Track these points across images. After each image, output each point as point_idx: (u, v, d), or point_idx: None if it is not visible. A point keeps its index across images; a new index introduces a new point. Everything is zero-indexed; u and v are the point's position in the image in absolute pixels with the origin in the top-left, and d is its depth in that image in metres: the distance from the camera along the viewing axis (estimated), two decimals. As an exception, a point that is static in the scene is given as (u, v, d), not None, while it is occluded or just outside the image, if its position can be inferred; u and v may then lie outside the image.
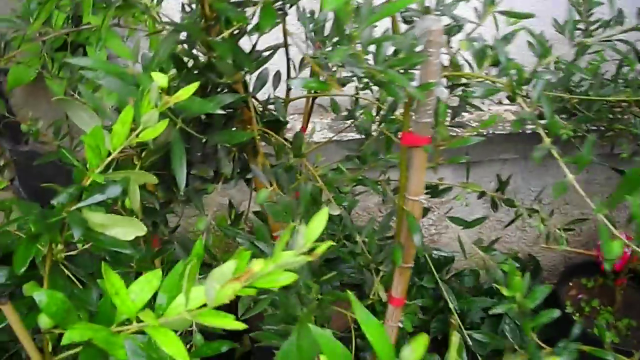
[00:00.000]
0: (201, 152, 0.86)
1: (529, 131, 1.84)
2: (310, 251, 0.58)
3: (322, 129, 1.83)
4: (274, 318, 0.83)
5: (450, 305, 1.31)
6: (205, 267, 1.35)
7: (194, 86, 0.58)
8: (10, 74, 1.41)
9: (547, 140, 0.80)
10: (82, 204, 0.58)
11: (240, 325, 0.46)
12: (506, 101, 2.01)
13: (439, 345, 1.96)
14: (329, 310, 0.88)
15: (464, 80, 1.03)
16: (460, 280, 2.06)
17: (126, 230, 0.60)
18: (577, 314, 2.01)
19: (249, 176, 0.99)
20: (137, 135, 0.60)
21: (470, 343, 1.31)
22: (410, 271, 0.93)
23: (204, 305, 0.52)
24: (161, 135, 0.77)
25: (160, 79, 0.57)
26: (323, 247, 0.58)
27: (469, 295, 2.02)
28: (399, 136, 1.14)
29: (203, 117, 0.94)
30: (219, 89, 0.89)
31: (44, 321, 0.53)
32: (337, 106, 1.16)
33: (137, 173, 0.64)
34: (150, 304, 0.57)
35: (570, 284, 2.13)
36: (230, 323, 0.46)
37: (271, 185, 0.91)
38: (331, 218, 1.29)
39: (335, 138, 1.65)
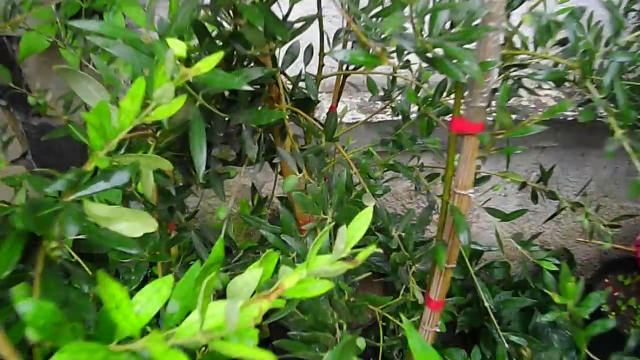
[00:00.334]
0: (223, 132, 0.76)
1: (570, 118, 1.73)
2: (351, 257, 0.49)
3: (351, 109, 1.73)
4: (302, 324, 0.74)
5: (486, 304, 1.21)
6: (226, 252, 1.26)
7: (217, 56, 0.48)
8: (22, 42, 1.32)
9: (618, 132, 0.69)
10: (81, 193, 0.49)
11: (269, 357, 0.36)
12: (546, 86, 1.89)
13: (464, 339, 1.87)
14: (364, 317, 0.78)
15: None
16: (490, 273, 1.96)
17: (134, 225, 0.51)
18: (613, 313, 1.90)
19: (275, 160, 0.89)
20: (149, 113, 0.51)
21: (507, 346, 1.22)
22: (452, 272, 0.83)
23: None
24: (179, 112, 0.68)
25: (178, 47, 0.48)
26: (365, 253, 0.49)
27: (498, 288, 1.92)
28: (443, 121, 1.04)
29: (226, 93, 0.85)
30: (245, 63, 0.79)
31: (31, 333, 0.44)
32: (373, 84, 1.06)
33: (150, 157, 0.55)
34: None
35: (606, 280, 2.01)
36: (256, 354, 0.36)
37: (300, 171, 0.81)
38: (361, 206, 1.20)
39: (362, 119, 1.55)
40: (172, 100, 0.51)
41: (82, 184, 0.50)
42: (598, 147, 1.89)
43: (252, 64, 0.79)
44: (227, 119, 0.77)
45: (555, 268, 1.18)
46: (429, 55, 0.58)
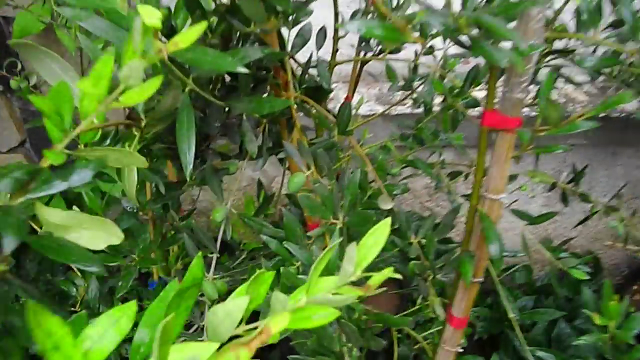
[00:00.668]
0: (221, 122, 0.67)
1: (602, 114, 1.62)
2: (362, 281, 0.40)
3: (368, 100, 1.63)
4: (306, 348, 0.64)
5: (511, 316, 1.11)
6: (228, 253, 1.17)
7: (199, 28, 0.38)
8: (16, 23, 1.23)
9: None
10: (33, 195, 0.40)
11: None
12: (578, 79, 1.78)
13: (483, 346, 1.77)
14: (377, 342, 0.69)
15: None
16: (511, 276, 1.85)
17: (95, 235, 0.42)
18: (643, 321, 1.79)
19: (281, 154, 0.80)
20: (117, 98, 0.41)
21: (532, 361, 1.11)
22: (479, 286, 0.73)
23: None
24: (167, 99, 0.59)
25: (149, 15, 0.38)
26: (379, 278, 0.39)
27: (520, 292, 1.81)
28: (470, 114, 0.93)
29: (228, 78, 0.75)
30: (247, 45, 0.70)
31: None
32: (393, 73, 0.95)
33: (121, 152, 0.45)
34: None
35: (635, 287, 1.90)
36: None
37: (308, 168, 0.72)
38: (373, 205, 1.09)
39: (380, 112, 1.45)
40: (147, 83, 0.41)
41: (34, 184, 0.41)
42: (631, 145, 1.77)
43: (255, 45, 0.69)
44: (226, 108, 0.67)
45: (586, 277, 1.09)
46: (463, 34, 0.48)
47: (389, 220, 0.39)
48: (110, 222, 0.42)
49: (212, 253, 0.74)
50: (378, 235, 0.39)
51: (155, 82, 0.41)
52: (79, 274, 1.01)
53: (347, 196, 0.64)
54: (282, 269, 0.60)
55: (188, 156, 0.54)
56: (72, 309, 1.00)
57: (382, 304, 1.81)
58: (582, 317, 1.72)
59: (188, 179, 0.54)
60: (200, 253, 0.37)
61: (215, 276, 0.76)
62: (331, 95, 1.68)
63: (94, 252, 0.41)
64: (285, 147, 0.71)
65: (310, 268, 0.66)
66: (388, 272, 0.39)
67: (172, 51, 0.40)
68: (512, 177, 1.27)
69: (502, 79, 0.62)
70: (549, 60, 0.75)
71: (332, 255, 0.62)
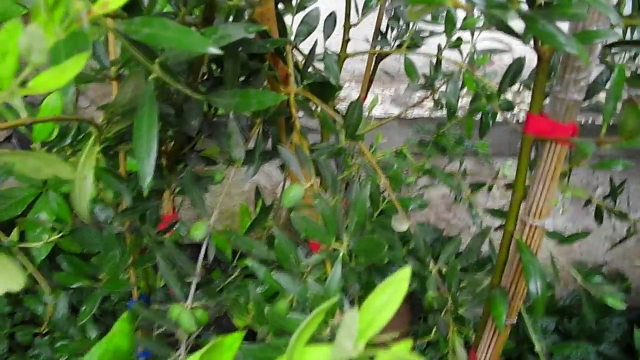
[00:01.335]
0: (199, 120, 0.54)
1: None
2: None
3: (383, 102, 1.50)
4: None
5: (537, 349, 0.97)
6: (216, 264, 1.05)
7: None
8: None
9: None
10: None
11: None
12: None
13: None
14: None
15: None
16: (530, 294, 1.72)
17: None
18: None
19: (277, 161, 0.68)
20: (23, 83, 0.29)
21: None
22: (510, 330, 0.61)
23: None
24: (127, 89, 0.46)
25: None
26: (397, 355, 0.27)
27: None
28: (509, 118, 0.81)
29: (215, 68, 0.63)
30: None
31: None
32: (412, 68, 0.82)
33: (41, 158, 0.33)
34: None
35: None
36: None
37: (309, 178, 0.59)
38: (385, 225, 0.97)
39: (395, 114, 1.32)
40: (66, 63, 0.29)
41: None
42: (668, 157, 1.64)
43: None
44: (208, 103, 0.55)
45: (623, 306, 0.96)
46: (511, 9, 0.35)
47: (407, 272, 0.27)
48: (13, 263, 0.30)
49: (190, 277, 0.62)
50: (391, 293, 0.27)
51: (79, 61, 0.29)
52: (47, 290, 0.89)
53: (353, 215, 0.51)
54: (266, 309, 0.47)
55: (147, 164, 0.41)
56: (37, 330, 0.88)
57: (393, 320, 1.68)
58: (608, 342, 1.59)
59: (146, 192, 0.41)
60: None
61: (195, 304, 0.64)
62: (342, 95, 1.56)
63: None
64: (281, 153, 0.58)
65: (305, 304, 0.53)
66: (407, 346, 0.27)
67: (98, 15, 0.28)
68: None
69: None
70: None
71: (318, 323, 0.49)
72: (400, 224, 0.62)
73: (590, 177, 1.69)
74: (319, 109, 0.68)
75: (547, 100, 0.49)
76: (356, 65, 1.58)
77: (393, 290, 0.27)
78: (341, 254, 0.52)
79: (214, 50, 0.35)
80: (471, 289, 0.68)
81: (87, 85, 0.77)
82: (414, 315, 1.59)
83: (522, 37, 0.42)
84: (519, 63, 0.66)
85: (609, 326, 1.61)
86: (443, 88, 0.89)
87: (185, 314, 0.61)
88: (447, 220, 1.70)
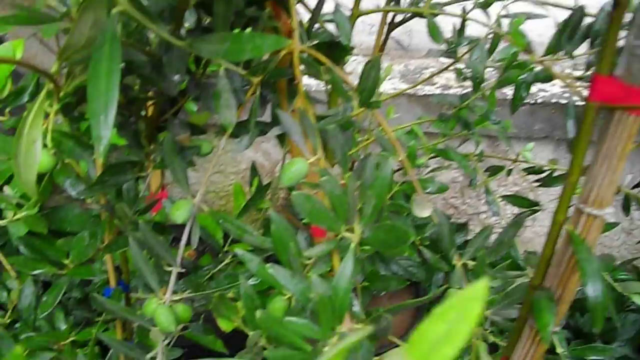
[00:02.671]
0: (182, 73, 0.44)
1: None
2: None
3: (392, 77, 1.40)
4: None
5: (559, 350, 0.88)
6: (211, 254, 0.95)
7: None
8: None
9: None
10: None
11: None
12: None
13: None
14: None
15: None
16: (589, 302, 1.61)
17: None
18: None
19: (276, 131, 0.57)
20: None
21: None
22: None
23: None
24: (83, 24, 0.36)
25: None
26: None
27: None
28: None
29: (205, 20, 0.52)
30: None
31: None
32: (436, 29, 0.71)
33: None
34: None
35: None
36: None
37: (315, 152, 0.49)
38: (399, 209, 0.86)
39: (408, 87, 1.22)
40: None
41: None
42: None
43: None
44: (193, 52, 0.45)
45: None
46: None
47: (480, 289, 0.17)
48: None
49: (170, 265, 0.52)
50: (455, 320, 0.17)
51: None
52: (12, 273, 0.78)
53: (370, 197, 0.41)
54: (258, 313, 0.37)
55: (103, 122, 0.31)
56: (1, 319, 0.78)
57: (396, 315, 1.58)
58: (620, 340, 1.50)
59: (102, 159, 0.31)
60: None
61: (175, 297, 0.54)
62: (348, 69, 1.45)
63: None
64: (282, 120, 0.48)
65: (307, 306, 0.43)
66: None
67: None
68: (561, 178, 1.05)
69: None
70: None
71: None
72: (422, 210, 0.52)
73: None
74: (326, 73, 0.58)
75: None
76: (364, 38, 1.47)
77: (458, 316, 0.17)
78: (353, 245, 0.42)
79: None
80: (500, 287, 0.59)
81: (52, 36, 0.67)
82: (419, 310, 1.50)
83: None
84: (579, 13, 0.55)
85: (624, 323, 1.52)
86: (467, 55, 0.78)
87: (163, 311, 0.51)
88: (455, 206, 1.60)
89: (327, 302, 0.39)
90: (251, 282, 0.73)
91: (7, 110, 0.49)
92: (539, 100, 1.40)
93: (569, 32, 0.56)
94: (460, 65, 0.84)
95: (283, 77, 0.55)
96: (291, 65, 0.55)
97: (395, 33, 0.94)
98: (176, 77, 0.44)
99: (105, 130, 0.31)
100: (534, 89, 1.46)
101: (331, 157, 0.50)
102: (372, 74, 0.51)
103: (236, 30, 0.52)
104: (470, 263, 0.58)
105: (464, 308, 0.17)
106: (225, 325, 0.47)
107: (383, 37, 0.90)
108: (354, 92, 0.54)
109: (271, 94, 0.59)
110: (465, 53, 0.77)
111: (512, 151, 1.51)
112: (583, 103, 0.41)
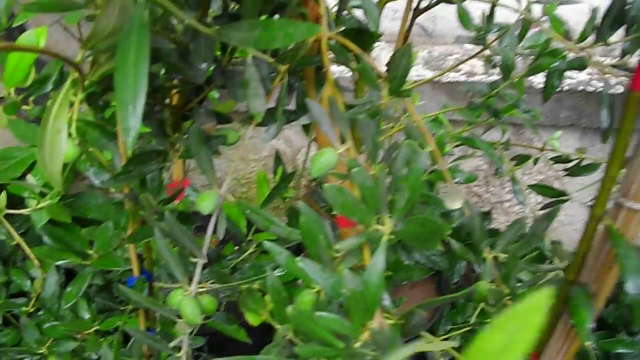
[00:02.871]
0: (209, 61, 0.43)
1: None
2: None
3: (416, 64, 1.38)
4: None
5: (586, 342, 0.86)
6: (234, 243, 0.94)
7: None
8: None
9: None
10: None
11: None
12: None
13: None
14: None
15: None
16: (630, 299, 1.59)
17: None
18: None
19: (303, 120, 0.56)
20: None
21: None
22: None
23: None
24: (109, 13, 0.35)
25: None
26: None
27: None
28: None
29: (232, 6, 0.51)
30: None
31: None
32: (466, 15, 0.70)
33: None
34: None
35: None
36: None
37: (343, 141, 0.47)
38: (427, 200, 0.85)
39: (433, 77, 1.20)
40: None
41: None
42: None
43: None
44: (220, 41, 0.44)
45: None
46: None
47: (543, 297, 0.15)
48: None
49: (194, 256, 0.51)
50: (516, 330, 0.15)
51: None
52: (35, 262, 0.78)
53: (403, 190, 0.40)
54: (289, 309, 0.36)
55: (132, 112, 0.30)
56: (25, 307, 0.78)
57: (418, 301, 1.57)
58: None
59: (130, 151, 0.30)
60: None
61: (201, 288, 0.53)
62: (372, 55, 1.43)
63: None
64: (310, 108, 0.46)
65: (337, 299, 0.42)
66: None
67: None
68: (594, 167, 1.03)
69: None
70: None
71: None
72: (454, 201, 0.51)
73: None
74: (353, 60, 0.56)
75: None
76: (387, 24, 1.45)
77: (518, 327, 0.16)
78: (385, 238, 0.41)
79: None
80: (531, 281, 0.57)
81: (75, 22, 0.66)
82: (439, 295, 1.49)
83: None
84: (622, 1, 0.53)
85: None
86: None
87: (188, 303, 0.51)
88: (479, 194, 1.58)
89: (360, 297, 0.38)
90: (277, 273, 0.73)
91: (31, 99, 0.49)
92: (565, 88, 1.38)
93: (611, 20, 0.54)
94: (486, 53, 0.82)
95: (311, 65, 0.54)
96: (318, 52, 0.53)
97: (419, 19, 0.92)
98: (203, 65, 0.43)
99: (134, 121, 0.30)
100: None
101: (357, 146, 0.48)
102: (402, 62, 0.50)
103: (264, 17, 0.50)
104: (501, 256, 0.56)
105: (524, 318, 0.16)
106: (253, 319, 0.46)
107: (408, 23, 0.88)
108: (383, 80, 0.52)
109: (298, 82, 0.57)
110: (495, 40, 0.75)
111: (536, 139, 1.49)
112: (615, 92, 0.40)
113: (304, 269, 0.41)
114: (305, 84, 0.58)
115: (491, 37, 0.75)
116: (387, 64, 0.51)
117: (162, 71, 0.51)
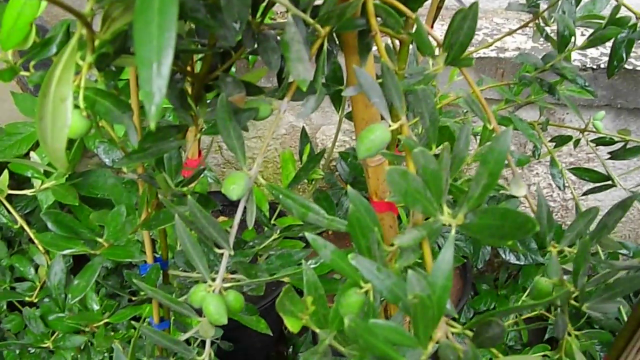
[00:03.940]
0: (245, 21, 0.36)
1: None
2: None
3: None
4: None
5: None
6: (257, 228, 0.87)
7: None
8: None
9: None
10: None
11: None
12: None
13: None
14: None
15: None
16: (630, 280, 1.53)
17: None
18: None
19: (344, 92, 0.49)
20: None
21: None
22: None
23: None
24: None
25: None
26: None
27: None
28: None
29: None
30: None
31: None
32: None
33: None
34: None
35: None
36: None
37: (395, 117, 0.40)
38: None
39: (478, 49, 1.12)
40: None
41: None
42: None
43: None
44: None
45: None
46: None
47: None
48: None
49: (220, 248, 0.44)
50: None
51: None
52: (40, 247, 0.71)
53: (481, 176, 0.33)
54: (346, 320, 0.29)
55: (155, 74, 0.23)
56: (28, 297, 0.71)
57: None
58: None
59: (153, 123, 0.24)
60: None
61: (227, 283, 0.46)
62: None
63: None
64: (358, 77, 0.39)
65: (391, 301, 0.35)
66: None
67: None
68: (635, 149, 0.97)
69: None
70: None
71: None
72: (518, 188, 0.44)
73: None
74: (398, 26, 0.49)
75: None
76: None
77: None
78: (453, 232, 0.34)
79: None
80: (601, 277, 0.50)
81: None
82: (465, 285, 1.42)
83: None
84: None
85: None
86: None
87: (213, 299, 0.44)
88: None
89: (428, 303, 0.31)
90: (310, 264, 0.66)
91: (32, 64, 0.42)
92: (602, 65, 1.30)
93: None
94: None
95: (355, 29, 0.47)
96: (363, 13, 0.46)
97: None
98: (235, 25, 0.36)
99: (159, 82, 0.23)
100: (596, 53, 1.35)
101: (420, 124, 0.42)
102: (464, 26, 0.43)
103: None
104: (566, 249, 0.50)
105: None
106: (292, 325, 0.39)
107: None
108: (439, 47, 0.45)
109: (336, 48, 0.50)
110: (547, 8, 0.67)
111: (570, 118, 1.41)
112: None
113: (357, 267, 0.34)
114: (344, 48, 0.51)
115: (543, 5, 0.68)
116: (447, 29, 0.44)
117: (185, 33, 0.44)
